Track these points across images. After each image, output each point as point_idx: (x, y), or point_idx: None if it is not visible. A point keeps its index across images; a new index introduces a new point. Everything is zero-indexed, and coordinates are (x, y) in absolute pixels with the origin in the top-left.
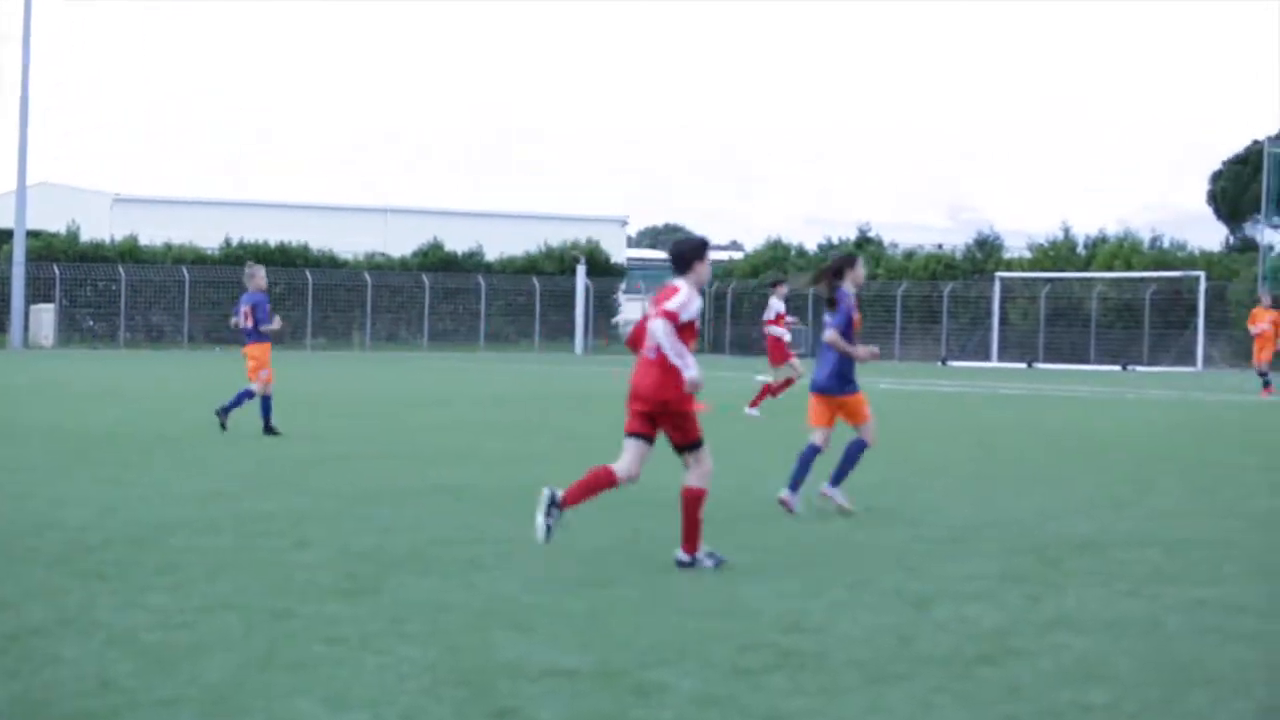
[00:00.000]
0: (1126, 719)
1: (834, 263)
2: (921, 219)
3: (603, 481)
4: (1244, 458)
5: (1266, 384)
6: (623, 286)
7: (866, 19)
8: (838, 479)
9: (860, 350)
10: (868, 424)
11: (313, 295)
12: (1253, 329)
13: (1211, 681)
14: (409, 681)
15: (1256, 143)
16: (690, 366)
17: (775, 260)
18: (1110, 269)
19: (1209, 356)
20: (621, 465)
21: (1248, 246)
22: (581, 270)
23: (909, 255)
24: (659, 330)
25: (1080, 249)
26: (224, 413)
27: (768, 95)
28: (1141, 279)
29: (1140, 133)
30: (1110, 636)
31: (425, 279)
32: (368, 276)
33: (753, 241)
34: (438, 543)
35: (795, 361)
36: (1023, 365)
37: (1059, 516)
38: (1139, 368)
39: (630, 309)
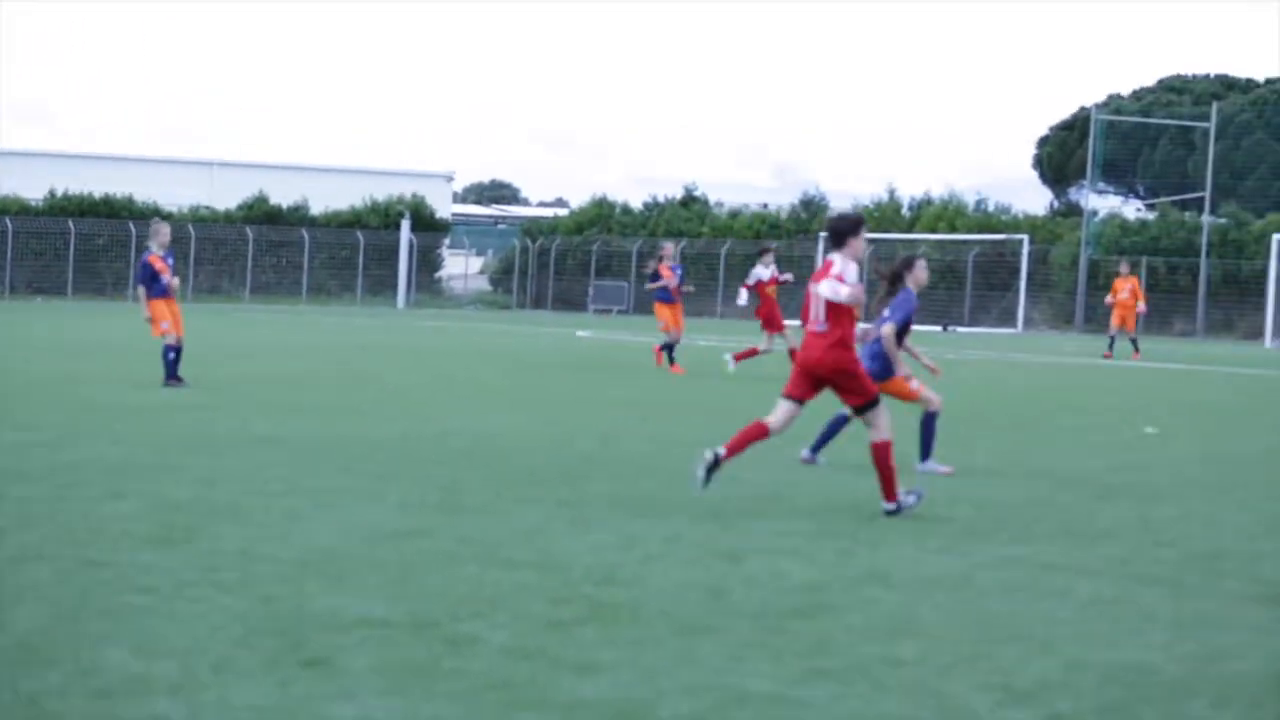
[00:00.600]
0: (935, 673)
1: (896, 265)
2: (747, 179)
3: (754, 434)
4: (1058, 419)
5: (1135, 349)
6: (447, 242)
7: None
8: (926, 454)
9: (900, 364)
10: (921, 395)
11: (136, 247)
12: (1110, 300)
13: (1019, 637)
14: (220, 631)
15: (1084, 109)
16: (851, 290)
17: (600, 217)
18: (934, 231)
19: (1030, 319)
20: (774, 420)
21: (1072, 211)
22: (406, 225)
23: (734, 214)
24: (825, 289)
25: (905, 211)
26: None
27: (594, 53)
28: (965, 241)
29: (967, 97)
30: (921, 592)
31: (249, 232)
32: (191, 229)
33: (578, 199)
34: (254, 493)
35: (787, 334)
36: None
37: (873, 473)
38: (960, 329)
39: (454, 263)
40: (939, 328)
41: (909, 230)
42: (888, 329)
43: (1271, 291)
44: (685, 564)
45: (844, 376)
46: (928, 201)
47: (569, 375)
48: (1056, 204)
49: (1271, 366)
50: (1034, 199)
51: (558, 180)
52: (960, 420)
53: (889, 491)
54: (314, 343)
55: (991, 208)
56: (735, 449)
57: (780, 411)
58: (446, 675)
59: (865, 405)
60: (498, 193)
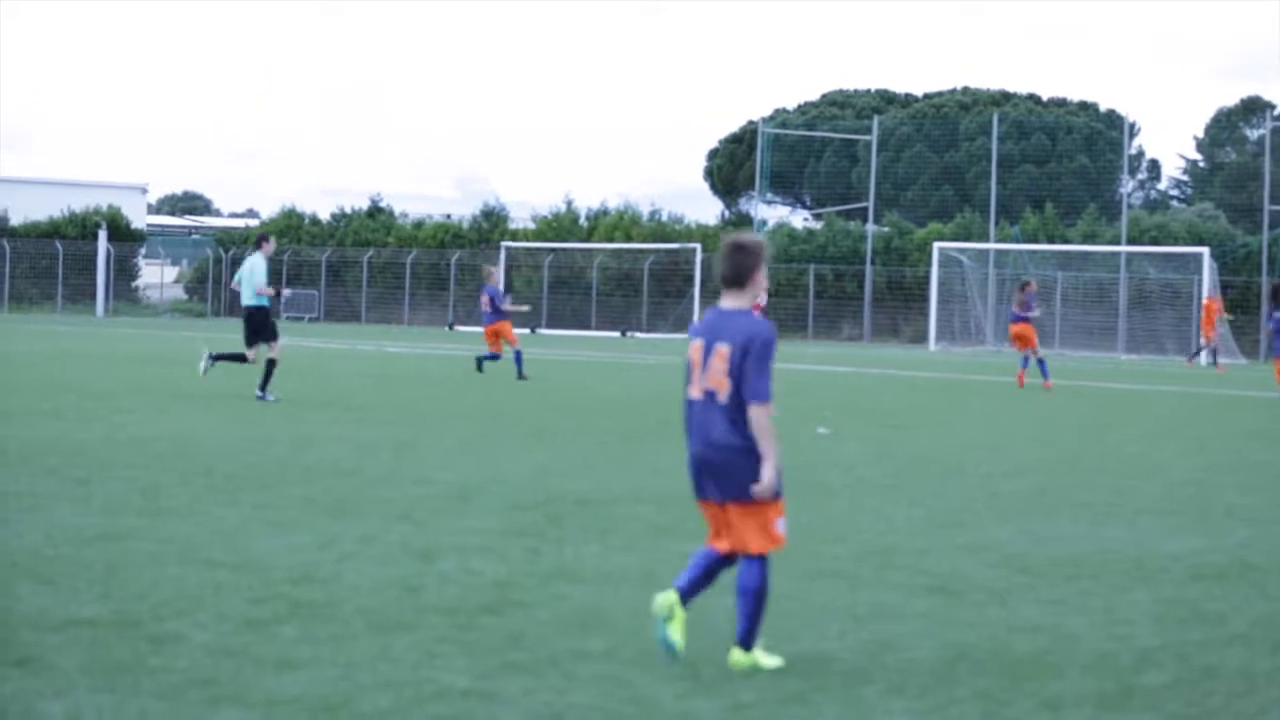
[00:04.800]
0: (623, 665)
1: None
2: (431, 190)
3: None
4: None
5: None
6: (143, 251)
7: None
8: None
9: None
10: None
11: None
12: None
13: (705, 631)
14: None
15: (751, 123)
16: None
17: (290, 228)
18: (611, 240)
19: None
20: None
21: (742, 221)
22: (103, 235)
23: (419, 225)
24: None
25: (582, 220)
26: None
27: (281, 66)
28: (640, 250)
29: (640, 110)
30: (608, 588)
31: None
32: None
33: (268, 210)
34: None
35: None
36: (527, 330)
37: (559, 474)
38: (638, 334)
39: (150, 273)
40: (618, 333)
41: (587, 239)
42: None
43: (934, 297)
44: (380, 563)
45: None
46: (604, 212)
47: None
48: (728, 214)
49: (936, 369)
50: (706, 209)
51: (248, 192)
52: (641, 421)
53: None
54: (14, 350)
55: (665, 217)
56: None
57: None
58: (151, 672)
59: None
60: (190, 204)
